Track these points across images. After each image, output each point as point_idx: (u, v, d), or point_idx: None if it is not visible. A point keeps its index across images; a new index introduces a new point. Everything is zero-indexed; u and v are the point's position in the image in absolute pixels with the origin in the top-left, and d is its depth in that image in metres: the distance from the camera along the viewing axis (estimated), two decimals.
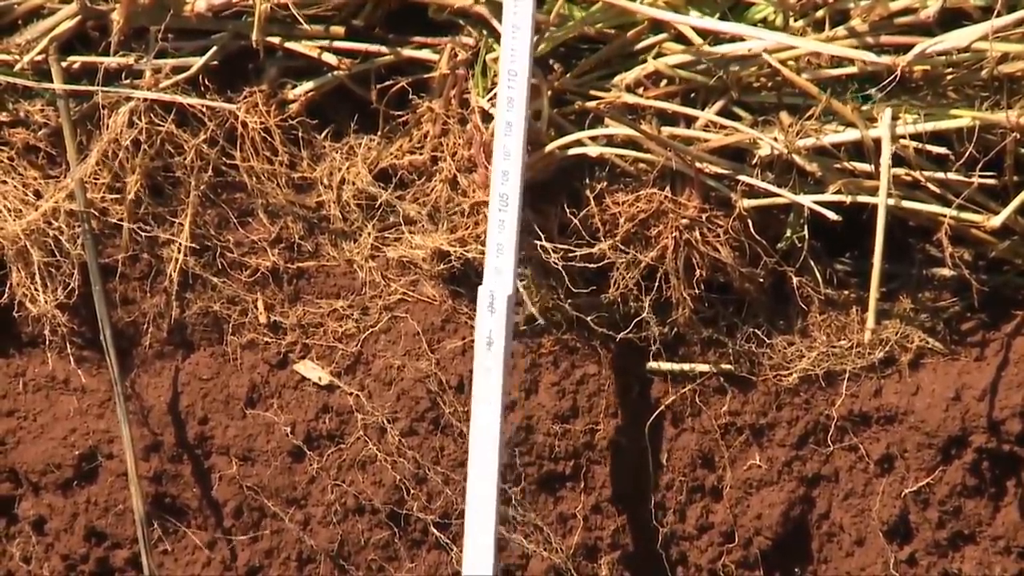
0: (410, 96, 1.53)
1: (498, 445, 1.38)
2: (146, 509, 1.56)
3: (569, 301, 1.51)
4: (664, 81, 1.47)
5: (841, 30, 1.41)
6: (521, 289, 1.50)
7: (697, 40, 1.43)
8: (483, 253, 1.48)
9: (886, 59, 1.38)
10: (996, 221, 1.44)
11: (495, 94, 1.47)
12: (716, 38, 1.44)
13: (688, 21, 1.41)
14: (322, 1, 1.49)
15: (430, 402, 1.55)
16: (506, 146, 1.38)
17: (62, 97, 1.54)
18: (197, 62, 1.53)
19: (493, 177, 1.38)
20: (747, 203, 1.48)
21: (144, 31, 1.53)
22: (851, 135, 1.45)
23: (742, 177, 1.47)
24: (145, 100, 1.51)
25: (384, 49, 1.53)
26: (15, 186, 1.55)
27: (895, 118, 1.43)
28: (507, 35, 1.37)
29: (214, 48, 1.54)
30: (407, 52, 1.53)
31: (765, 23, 1.46)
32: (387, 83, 1.53)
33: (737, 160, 1.48)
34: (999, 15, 1.37)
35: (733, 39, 1.43)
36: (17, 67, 1.53)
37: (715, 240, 1.49)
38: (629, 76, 1.45)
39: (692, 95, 1.49)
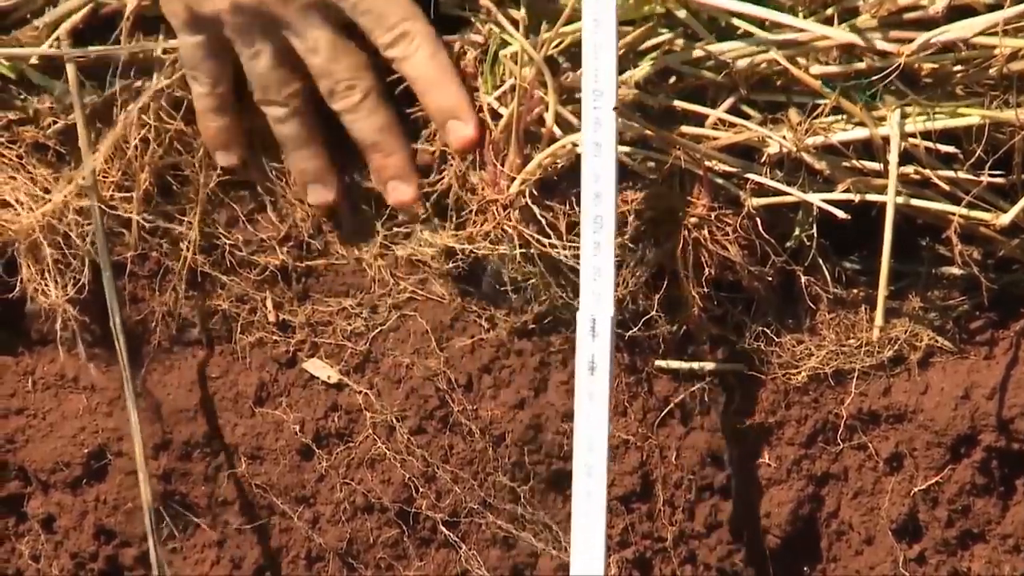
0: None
1: (606, 469, 1.38)
2: (155, 506, 1.56)
3: (578, 299, 1.51)
4: (673, 78, 1.47)
5: (850, 24, 1.41)
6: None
7: (706, 35, 1.43)
8: (493, 250, 1.48)
9: (891, 46, 1.38)
10: (1005, 219, 1.44)
11: (504, 91, 1.47)
12: (723, 35, 1.44)
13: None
14: None
15: (439, 400, 1.55)
16: (595, 168, 1.37)
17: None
18: None
19: (584, 200, 1.38)
20: (756, 201, 1.48)
21: (155, 24, 1.53)
22: (860, 133, 1.44)
23: (751, 175, 1.47)
24: (155, 97, 1.52)
25: None
26: (25, 181, 1.55)
27: (904, 116, 1.43)
28: (589, 56, 1.37)
29: None
30: None
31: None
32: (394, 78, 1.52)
33: (746, 158, 1.47)
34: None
35: (742, 34, 1.43)
36: (32, 57, 1.54)
37: (724, 238, 1.49)
38: (638, 73, 1.45)
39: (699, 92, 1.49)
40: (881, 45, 1.38)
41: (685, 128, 1.47)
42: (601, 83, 1.37)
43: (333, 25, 1.46)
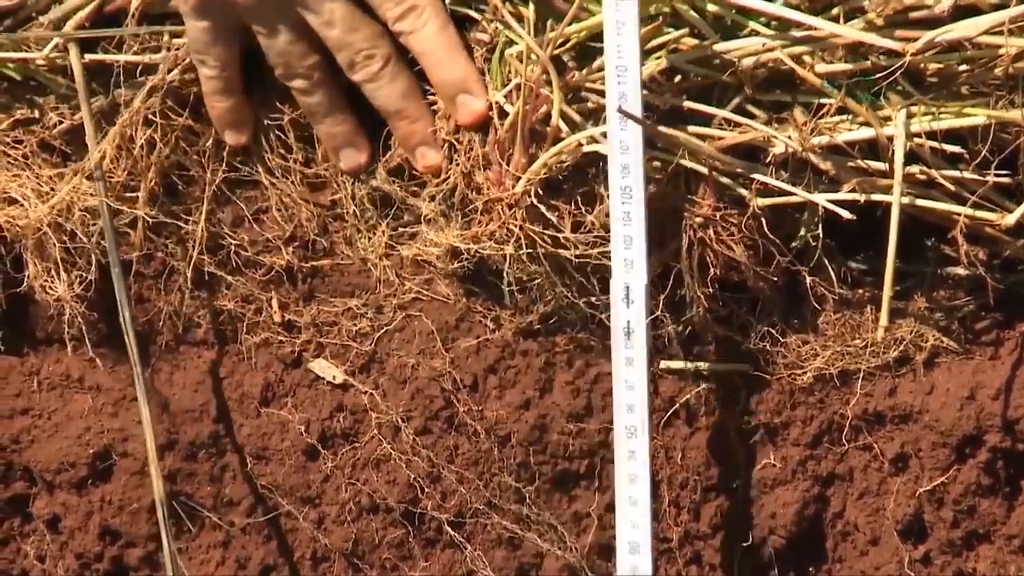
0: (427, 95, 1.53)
1: (648, 437, 1.39)
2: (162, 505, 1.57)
3: (583, 299, 1.51)
4: (678, 77, 1.47)
5: (855, 23, 1.41)
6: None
7: (711, 34, 1.43)
8: (497, 250, 1.48)
9: (896, 44, 1.38)
10: (1010, 219, 1.44)
11: (510, 90, 1.47)
12: (729, 34, 1.44)
13: None
14: None
15: (444, 401, 1.55)
16: (623, 141, 1.39)
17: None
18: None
19: (612, 172, 1.39)
20: (761, 201, 1.48)
21: (159, 21, 1.54)
22: (865, 133, 1.44)
23: (756, 175, 1.47)
24: (159, 89, 1.53)
25: None
26: (30, 177, 1.55)
27: (909, 116, 1.43)
28: (611, 32, 1.38)
29: None
30: None
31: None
32: None
33: (751, 158, 1.47)
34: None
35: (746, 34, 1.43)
36: (38, 58, 1.54)
37: (729, 239, 1.49)
38: (644, 72, 1.45)
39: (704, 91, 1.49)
40: (886, 43, 1.38)
41: (691, 127, 1.47)
42: (626, 59, 1.38)
43: None
